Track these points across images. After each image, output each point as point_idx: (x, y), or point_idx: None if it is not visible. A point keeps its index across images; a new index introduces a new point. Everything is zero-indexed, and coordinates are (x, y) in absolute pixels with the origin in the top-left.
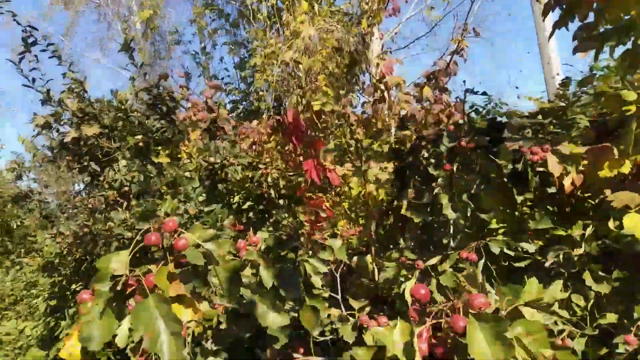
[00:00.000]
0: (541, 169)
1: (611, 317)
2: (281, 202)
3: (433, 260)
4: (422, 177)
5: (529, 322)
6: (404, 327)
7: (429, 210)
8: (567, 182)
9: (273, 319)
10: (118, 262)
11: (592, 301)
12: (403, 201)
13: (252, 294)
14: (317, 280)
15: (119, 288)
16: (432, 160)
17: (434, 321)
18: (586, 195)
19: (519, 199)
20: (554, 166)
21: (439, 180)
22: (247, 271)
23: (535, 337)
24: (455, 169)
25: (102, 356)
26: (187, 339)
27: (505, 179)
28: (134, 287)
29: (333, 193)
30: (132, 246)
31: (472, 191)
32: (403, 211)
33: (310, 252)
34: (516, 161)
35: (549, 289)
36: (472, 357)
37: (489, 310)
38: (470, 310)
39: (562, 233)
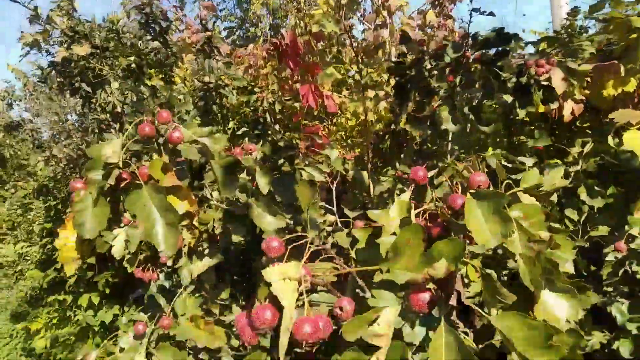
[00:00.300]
0: (546, 83)
1: (603, 230)
2: (277, 127)
3: (430, 173)
4: (423, 90)
5: (527, 205)
6: (401, 204)
7: (428, 123)
8: (566, 111)
9: (269, 222)
10: (111, 150)
11: (585, 215)
12: (402, 115)
13: (249, 199)
14: None
15: (112, 182)
16: (435, 72)
17: (431, 204)
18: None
19: (521, 113)
20: (559, 82)
21: (441, 92)
22: (243, 177)
23: (532, 221)
24: (458, 81)
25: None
26: (184, 250)
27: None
28: (128, 182)
29: (330, 122)
30: (125, 136)
31: (474, 103)
32: (402, 124)
33: (307, 162)
34: (520, 74)
35: (548, 175)
36: (470, 232)
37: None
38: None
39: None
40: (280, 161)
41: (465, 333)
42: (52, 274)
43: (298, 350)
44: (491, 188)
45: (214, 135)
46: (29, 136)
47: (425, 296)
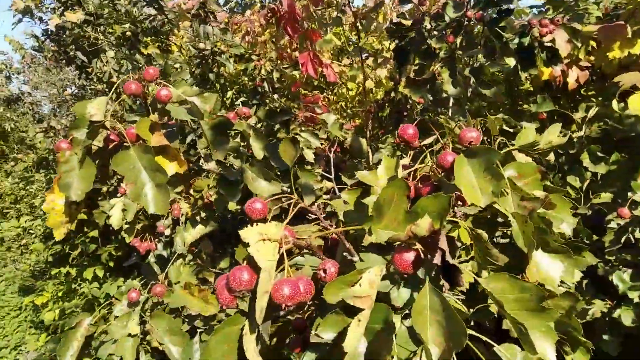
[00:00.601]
0: (549, 45)
1: (605, 197)
2: (275, 97)
3: (429, 140)
4: (423, 52)
5: (522, 164)
6: (388, 163)
7: (427, 87)
8: (571, 79)
9: (263, 187)
10: (95, 107)
11: (587, 182)
12: (402, 79)
13: (243, 164)
14: (309, 154)
15: (100, 143)
16: (435, 33)
17: (422, 165)
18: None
19: (522, 75)
20: (563, 44)
21: (441, 54)
22: (237, 141)
23: (527, 180)
24: (458, 42)
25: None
26: (181, 219)
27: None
28: (116, 143)
29: (330, 92)
30: (111, 92)
31: (475, 65)
32: (401, 88)
33: (303, 128)
34: (523, 35)
35: (544, 134)
36: (460, 190)
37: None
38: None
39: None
40: (277, 127)
41: (460, 297)
42: (57, 247)
43: (290, 317)
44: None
45: (203, 95)
46: (29, 110)
47: (410, 256)
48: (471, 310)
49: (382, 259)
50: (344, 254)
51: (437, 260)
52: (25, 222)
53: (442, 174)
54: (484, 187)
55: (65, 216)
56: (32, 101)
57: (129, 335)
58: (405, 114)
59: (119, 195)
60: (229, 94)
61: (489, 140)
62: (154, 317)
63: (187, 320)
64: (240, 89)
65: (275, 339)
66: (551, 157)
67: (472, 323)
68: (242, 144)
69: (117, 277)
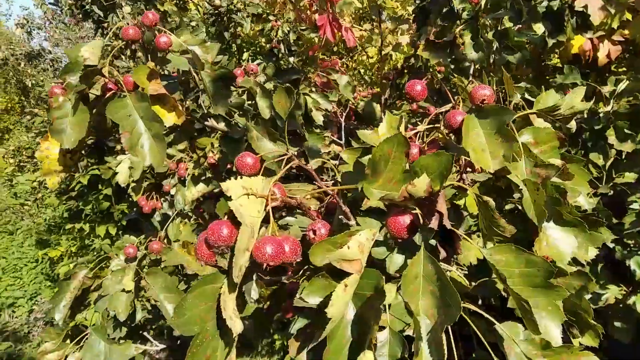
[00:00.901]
0: (581, 9)
1: (629, 177)
2: (292, 59)
3: (447, 107)
4: (445, 13)
5: (539, 129)
6: (390, 120)
7: (448, 50)
8: (602, 54)
9: (268, 148)
10: (89, 51)
11: (611, 160)
12: (421, 42)
13: (247, 122)
14: (317, 116)
15: (98, 92)
16: None
17: (429, 126)
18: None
19: (550, 42)
20: (595, 10)
21: (464, 15)
22: (243, 99)
23: (544, 147)
24: (483, 3)
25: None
26: (187, 179)
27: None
28: (114, 92)
29: (349, 58)
30: (107, 37)
31: (500, 29)
32: (420, 52)
33: (313, 88)
34: None
35: (566, 97)
36: (467, 152)
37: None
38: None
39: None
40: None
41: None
42: (71, 202)
43: (284, 281)
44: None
45: (205, 44)
46: (50, 66)
47: (405, 219)
48: (472, 283)
49: (380, 223)
50: (340, 217)
51: (433, 224)
52: (37, 177)
53: (450, 135)
54: (494, 151)
55: (59, 165)
56: (53, 58)
57: (123, 290)
58: (425, 81)
59: (126, 152)
60: (245, 55)
61: (504, 100)
62: (149, 274)
63: (184, 279)
64: (256, 50)
65: (269, 302)
66: (573, 125)
67: (480, 302)
68: (248, 102)
69: (130, 235)
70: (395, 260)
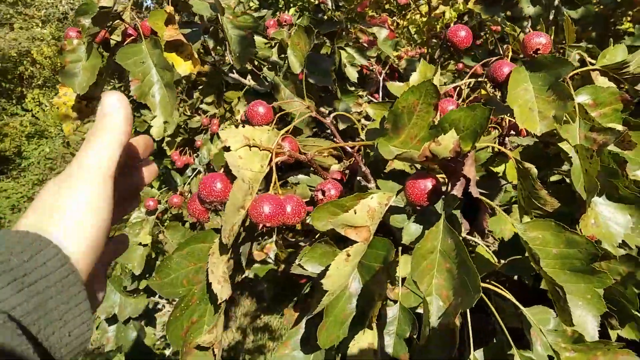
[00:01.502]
0: None
1: None
2: (338, 14)
3: (493, 58)
4: None
5: (600, 88)
6: (424, 69)
7: (502, 4)
8: None
9: (295, 104)
10: None
11: None
12: None
13: (275, 76)
14: (352, 73)
15: (118, 38)
16: None
17: (472, 80)
18: None
19: None
20: None
21: None
22: (274, 53)
23: (604, 110)
24: None
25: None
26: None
27: None
28: (134, 38)
29: (401, 16)
30: None
31: None
32: (471, 5)
33: (350, 43)
34: None
35: (637, 52)
36: (512, 110)
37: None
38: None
39: None
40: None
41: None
42: None
43: (301, 244)
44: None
45: None
46: None
47: (426, 183)
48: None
49: (401, 187)
50: (358, 179)
51: (457, 190)
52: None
53: (495, 91)
54: (544, 110)
55: (74, 111)
56: None
57: (140, 244)
58: (478, 42)
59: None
60: (292, 11)
61: (562, 51)
62: (169, 227)
63: None
64: (304, 6)
65: (283, 266)
66: None
67: (506, 284)
68: (279, 55)
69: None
70: (410, 229)
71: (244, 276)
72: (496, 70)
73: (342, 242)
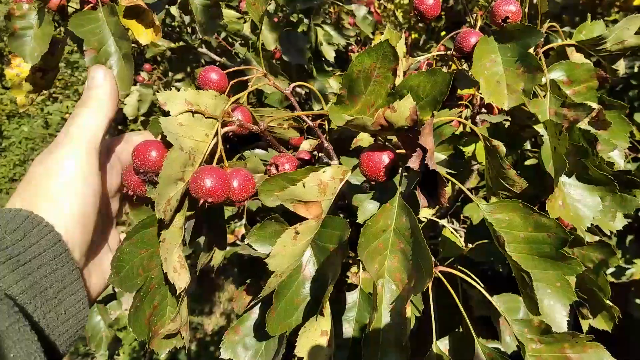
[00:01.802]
0: None
1: None
2: None
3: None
4: None
5: (574, 64)
6: (390, 36)
7: None
8: None
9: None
10: None
11: None
12: None
13: (247, 52)
14: (328, 51)
15: (77, 5)
16: None
17: (440, 53)
18: None
19: None
20: None
21: None
22: (246, 28)
23: (579, 88)
24: None
25: None
26: None
27: None
28: (92, 5)
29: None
30: None
31: None
32: None
33: (327, 20)
34: None
35: (615, 27)
36: (477, 83)
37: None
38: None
39: None
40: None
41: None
42: None
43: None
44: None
45: None
46: None
47: (383, 156)
48: (468, 245)
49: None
50: (320, 155)
51: (413, 163)
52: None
53: (462, 62)
54: (512, 83)
55: (29, 83)
56: None
57: None
58: (464, 25)
59: (135, 83)
60: None
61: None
62: (133, 208)
63: None
64: None
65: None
66: (621, 65)
67: (490, 273)
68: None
69: None
70: (367, 207)
71: (222, 260)
72: (463, 40)
73: (297, 220)
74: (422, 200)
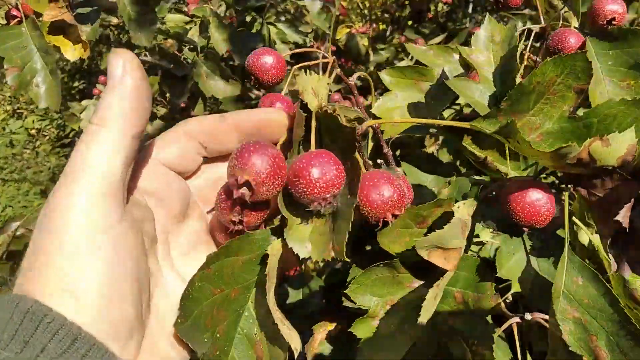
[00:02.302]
0: None
1: None
2: None
3: (437, 39)
4: None
5: None
6: (494, 29)
7: None
8: None
9: (220, 87)
10: None
11: None
12: None
13: (196, 57)
14: (283, 50)
15: (3, 20)
16: None
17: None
18: None
19: None
20: None
21: None
22: (194, 31)
23: None
24: None
25: None
26: None
27: None
28: (18, 20)
29: None
30: None
31: None
32: None
33: (281, 18)
34: None
35: None
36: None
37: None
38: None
39: None
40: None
41: None
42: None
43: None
44: None
45: None
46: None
47: (544, 198)
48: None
49: (443, 180)
50: (379, 162)
51: (622, 217)
52: (34, 122)
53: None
54: (615, 97)
55: None
56: None
57: None
58: (427, 15)
59: (94, 97)
60: None
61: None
62: None
63: None
64: None
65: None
66: None
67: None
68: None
69: None
70: (508, 260)
71: None
72: (561, 39)
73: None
74: (624, 268)
